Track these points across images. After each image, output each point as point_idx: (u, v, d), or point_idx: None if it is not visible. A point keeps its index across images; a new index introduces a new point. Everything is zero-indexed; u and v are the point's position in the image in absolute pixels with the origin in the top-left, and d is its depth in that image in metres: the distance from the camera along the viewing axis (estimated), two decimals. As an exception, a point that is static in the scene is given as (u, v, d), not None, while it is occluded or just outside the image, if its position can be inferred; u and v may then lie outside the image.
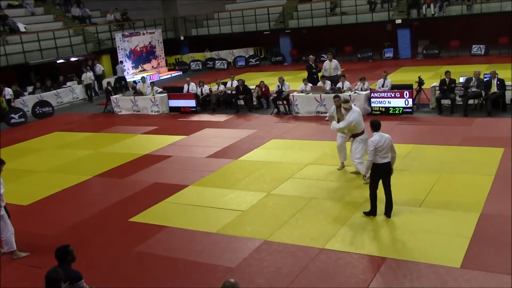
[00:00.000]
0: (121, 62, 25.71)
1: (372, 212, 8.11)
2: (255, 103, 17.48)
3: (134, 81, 23.19)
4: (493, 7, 24.19)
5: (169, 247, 7.85)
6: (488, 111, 13.66)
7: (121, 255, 7.76)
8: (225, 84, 18.42)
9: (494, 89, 13.84)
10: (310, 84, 16.34)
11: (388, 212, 8.06)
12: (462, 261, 6.57)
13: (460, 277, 6.23)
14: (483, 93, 13.93)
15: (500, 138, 11.53)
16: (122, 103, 19.38)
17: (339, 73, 17.11)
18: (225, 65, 29.72)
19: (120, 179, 11.38)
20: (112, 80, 23.77)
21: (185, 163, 12.12)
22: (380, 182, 7.98)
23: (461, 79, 14.66)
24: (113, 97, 19.72)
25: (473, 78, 14.11)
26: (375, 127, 7.90)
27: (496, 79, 13.91)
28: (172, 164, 12.16)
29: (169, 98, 18.59)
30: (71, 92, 23.33)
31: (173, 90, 19.38)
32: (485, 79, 14.19)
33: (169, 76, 28.82)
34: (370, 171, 8.08)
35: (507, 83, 14.04)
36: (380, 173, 7.87)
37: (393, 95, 14.67)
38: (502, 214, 7.83)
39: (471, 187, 9.01)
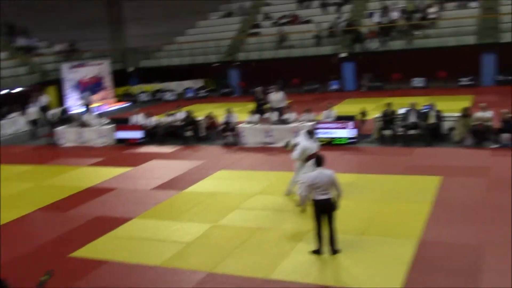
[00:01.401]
0: (87, 91, 25.22)
1: (318, 251, 7.90)
2: (203, 134, 17.50)
3: (80, 113, 22.77)
4: (431, 42, 25.41)
5: (110, 282, 7.64)
6: (427, 141, 14.20)
7: (59, 291, 7.47)
8: (173, 115, 18.38)
9: (432, 120, 14.43)
10: (257, 116, 16.54)
11: (331, 247, 7.87)
12: (401, 287, 6.71)
13: (399, 304, 6.36)
14: (422, 124, 14.49)
15: (438, 167, 11.99)
16: (67, 135, 18.95)
17: (284, 104, 17.40)
18: (174, 97, 29.68)
19: (62, 213, 11.05)
20: (57, 111, 23.25)
21: (130, 196, 11.92)
22: None
23: (402, 111, 15.22)
24: (57, 129, 19.28)
25: (412, 110, 14.66)
26: (318, 163, 7.95)
27: (434, 110, 14.52)
28: (116, 197, 11.93)
29: (116, 129, 18.35)
30: (15, 124, 22.65)
31: (120, 121, 19.15)
32: (423, 111, 14.77)
33: (117, 107, 28.49)
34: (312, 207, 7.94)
35: (445, 114, 14.68)
36: (320, 209, 7.78)
37: (337, 126, 15.04)
38: (440, 240, 8.08)
39: (410, 214, 9.27)
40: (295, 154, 10.05)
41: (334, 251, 7.86)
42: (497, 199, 9.68)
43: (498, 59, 24.19)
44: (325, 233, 7.84)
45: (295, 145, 10.29)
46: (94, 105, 26.14)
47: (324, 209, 7.77)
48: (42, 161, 16.49)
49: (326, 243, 7.87)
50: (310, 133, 10.28)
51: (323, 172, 7.79)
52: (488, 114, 13.95)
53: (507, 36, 24.03)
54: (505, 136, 13.37)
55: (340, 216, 9.39)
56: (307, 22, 29.62)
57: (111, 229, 9.72)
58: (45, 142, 19.80)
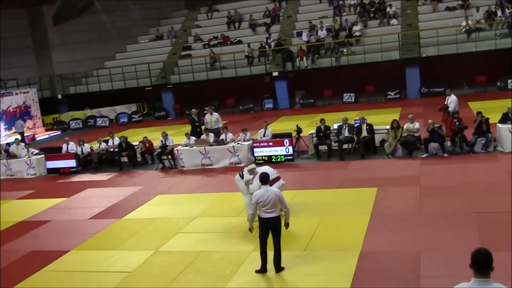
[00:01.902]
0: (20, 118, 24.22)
1: (262, 270, 7.89)
2: (139, 159, 17.18)
3: (7, 144, 21.77)
4: (358, 59, 26.39)
5: (49, 320, 7.29)
6: (361, 154, 14.65)
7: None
8: (107, 142, 17.94)
9: (364, 133, 14.91)
10: (193, 138, 16.47)
11: (275, 266, 7.87)
12: (346, 299, 6.84)
13: (345, 316, 6.46)
14: (355, 138, 14.95)
15: (373, 179, 12.38)
16: (-6, 168, 18.05)
17: (220, 125, 17.46)
18: (107, 123, 29.03)
19: (-8, 250, 10.46)
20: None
21: (66, 227, 11.47)
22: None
23: (335, 126, 15.64)
24: (-17, 162, 18.31)
25: (344, 124, 15.11)
26: (263, 180, 7.95)
27: (365, 124, 15.02)
28: (50, 229, 11.44)
29: (47, 159, 17.66)
30: None
31: (51, 150, 18.45)
32: (356, 125, 15.25)
33: (47, 136, 27.49)
34: (259, 226, 7.91)
35: (376, 127, 15.22)
36: (266, 227, 7.77)
37: (274, 144, 15.23)
38: (380, 250, 8.32)
39: (350, 227, 9.49)
40: (251, 188, 9.83)
41: (279, 269, 7.87)
42: (429, 206, 10.10)
43: (421, 73, 25.45)
44: (270, 252, 7.85)
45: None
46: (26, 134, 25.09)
47: (270, 227, 7.77)
48: (-33, 196, 15.58)
49: (271, 261, 7.86)
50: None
51: (269, 190, 7.82)
52: (416, 125, 14.60)
53: (428, 51, 25.37)
54: (432, 145, 14.03)
55: (282, 233, 9.49)
56: (238, 42, 29.97)
57: (47, 263, 9.28)
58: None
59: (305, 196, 11.69)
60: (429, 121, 14.30)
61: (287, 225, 8.01)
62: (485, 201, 10.04)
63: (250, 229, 8.00)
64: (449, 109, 15.32)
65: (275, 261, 7.88)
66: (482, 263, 3.94)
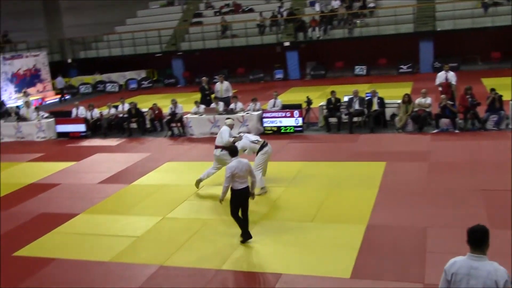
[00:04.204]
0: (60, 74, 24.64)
1: (246, 237, 8.02)
2: (148, 126, 17.21)
3: (17, 106, 21.88)
4: (371, 31, 26.02)
5: (59, 280, 7.41)
6: (370, 127, 14.57)
7: (4, 293, 7.21)
8: (116, 107, 17.96)
9: (375, 107, 14.80)
10: (203, 106, 16.43)
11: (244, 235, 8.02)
12: (351, 271, 6.89)
13: (350, 287, 6.52)
14: (366, 111, 14.85)
15: (382, 153, 12.34)
16: (4, 130, 18.15)
17: (230, 94, 17.38)
18: (117, 88, 29.00)
19: (3, 211, 10.58)
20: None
21: (75, 191, 11.59)
22: None
23: (346, 98, 15.53)
24: (-7, 124, 18.44)
25: (355, 97, 14.99)
26: (232, 153, 8.07)
27: (376, 97, 14.89)
28: (60, 192, 11.56)
29: (57, 123, 17.74)
30: None
31: (60, 114, 18.54)
32: (366, 98, 15.13)
33: (56, 100, 27.54)
34: (230, 197, 8.00)
35: (387, 101, 15.10)
36: (239, 198, 7.91)
37: (284, 115, 15.17)
38: (386, 224, 8.34)
39: (357, 200, 9.50)
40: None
41: (248, 238, 8.00)
42: (437, 182, 10.07)
43: (435, 47, 25.09)
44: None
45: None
46: (32, 98, 25.19)
47: (242, 197, 7.94)
48: (-22, 158, 15.74)
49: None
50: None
51: (242, 161, 7.93)
52: (428, 100, 14.46)
53: (443, 24, 24.94)
54: (443, 121, 13.92)
55: (289, 204, 9.58)
56: (250, 11, 29.61)
57: (57, 226, 9.42)
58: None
59: (313, 168, 11.69)
60: (442, 96, 14.16)
61: (253, 195, 8.15)
62: (494, 179, 9.98)
63: (221, 201, 8.11)
64: (453, 83, 15.20)
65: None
66: (476, 239, 4.05)
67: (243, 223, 8.02)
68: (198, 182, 10.68)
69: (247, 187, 7.97)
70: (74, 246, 8.56)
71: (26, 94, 20.78)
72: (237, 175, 7.78)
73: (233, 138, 10.30)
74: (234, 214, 8.01)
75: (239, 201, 7.93)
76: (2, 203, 11.11)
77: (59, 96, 27.87)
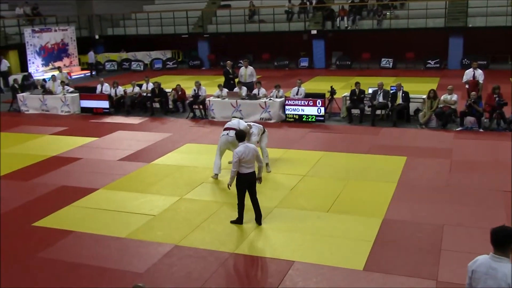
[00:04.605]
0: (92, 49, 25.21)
1: (238, 221, 8.23)
2: (170, 106, 17.30)
3: (44, 79, 22.17)
4: (401, 23, 25.66)
5: (75, 253, 7.56)
6: (393, 121, 14.43)
7: (23, 261, 7.37)
8: (140, 86, 18.08)
9: (399, 100, 14.64)
10: (226, 90, 16.44)
11: (258, 219, 8.21)
12: (365, 264, 6.88)
13: (362, 279, 6.52)
14: (390, 104, 14.70)
15: (404, 147, 12.22)
16: (30, 102, 18.45)
17: (254, 79, 17.35)
18: (142, 67, 29.18)
19: (24, 182, 10.81)
20: (19, 77, 22.53)
21: (96, 166, 11.75)
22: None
23: (370, 90, 15.38)
24: (19, 95, 18.72)
25: (380, 90, 14.84)
26: (240, 138, 8.13)
27: (401, 91, 14.72)
28: (81, 167, 11.74)
29: (81, 98, 17.94)
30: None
31: (85, 90, 18.75)
32: (391, 91, 14.97)
33: (82, 75, 27.82)
34: (236, 181, 8.08)
35: (411, 95, 14.91)
36: (245, 183, 8.00)
37: (306, 103, 15.10)
38: (403, 219, 8.29)
39: (375, 193, 9.46)
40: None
41: (260, 223, 8.21)
42: (458, 180, 9.96)
43: (465, 43, 24.64)
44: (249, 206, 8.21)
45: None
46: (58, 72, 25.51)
47: (249, 183, 8.04)
48: (3, 128, 16.01)
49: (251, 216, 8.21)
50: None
51: (248, 146, 8.01)
52: (454, 97, 14.24)
53: (474, 21, 24.46)
54: (468, 119, 13.72)
55: (306, 193, 9.57)
56: (279, -4, 29.37)
57: (76, 199, 9.58)
58: (6, 108, 19.21)
59: (332, 158, 11.65)
60: (472, 93, 13.95)
61: (260, 179, 8.26)
62: (516, 180, 9.84)
63: (229, 186, 8.20)
64: (480, 81, 14.99)
65: (257, 214, 8.21)
66: (498, 240, 4.02)
67: (242, 209, 8.18)
68: (215, 177, 10.55)
69: (253, 172, 8.05)
70: (92, 221, 8.71)
71: (60, 70, 21.05)
72: (244, 160, 7.86)
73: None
74: (239, 199, 8.14)
75: (244, 186, 8.03)
76: (24, 174, 11.32)
77: (85, 71, 28.18)
